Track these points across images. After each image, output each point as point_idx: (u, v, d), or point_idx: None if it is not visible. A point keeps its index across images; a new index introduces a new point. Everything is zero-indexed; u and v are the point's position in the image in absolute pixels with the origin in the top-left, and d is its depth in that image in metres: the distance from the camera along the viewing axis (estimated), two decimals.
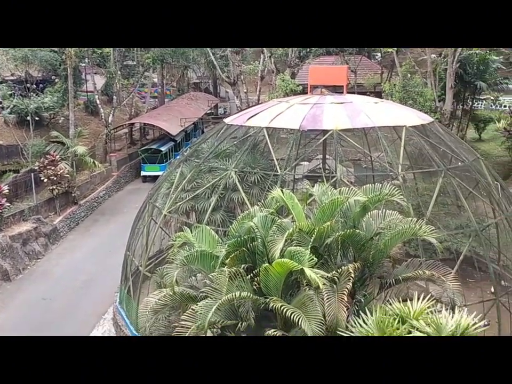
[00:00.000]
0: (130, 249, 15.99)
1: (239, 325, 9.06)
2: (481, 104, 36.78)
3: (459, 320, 6.76)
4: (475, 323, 6.80)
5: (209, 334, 10.51)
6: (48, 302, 17.72)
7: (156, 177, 29.30)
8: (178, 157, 29.16)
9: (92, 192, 28.64)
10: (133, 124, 38.14)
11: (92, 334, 15.41)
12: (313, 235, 9.09)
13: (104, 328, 15.84)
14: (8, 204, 21.26)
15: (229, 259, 9.21)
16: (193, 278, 10.68)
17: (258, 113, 16.41)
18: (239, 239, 9.52)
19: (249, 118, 16.26)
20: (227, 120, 17.60)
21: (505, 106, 35.35)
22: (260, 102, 31.69)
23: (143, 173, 33.39)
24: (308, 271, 8.15)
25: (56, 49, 30.19)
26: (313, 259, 8.50)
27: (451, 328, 6.65)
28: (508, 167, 26.78)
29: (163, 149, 34.02)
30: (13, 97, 29.35)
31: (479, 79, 29.12)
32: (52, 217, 24.29)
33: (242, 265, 9.23)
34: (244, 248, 9.45)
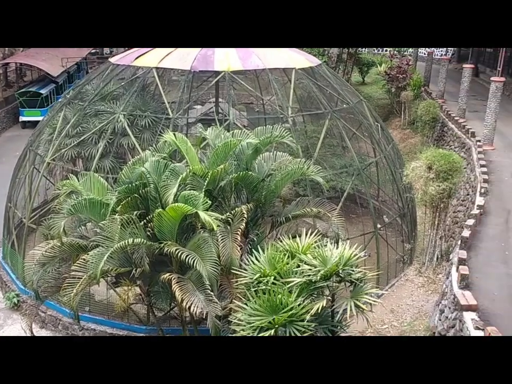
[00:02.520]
0: (12, 200, 14.87)
1: (134, 271, 9.00)
2: (365, 48, 38.37)
3: (342, 252, 7.30)
4: (356, 254, 7.40)
5: (103, 283, 10.33)
6: None
7: (37, 122, 27.06)
8: (60, 100, 27.14)
9: None
10: (7, 63, 34.41)
11: None
12: (207, 178, 9.11)
13: None
14: None
15: (120, 206, 8.96)
16: (83, 227, 10.25)
17: (146, 52, 15.63)
18: (130, 185, 9.25)
19: (137, 57, 15.45)
20: (113, 60, 16.58)
21: (386, 50, 37.25)
22: None
23: (22, 118, 30.62)
24: (202, 214, 8.22)
25: None
26: (207, 202, 8.56)
27: (335, 260, 7.17)
28: (388, 109, 28.65)
29: (43, 91, 31.29)
30: None
31: None
32: None
33: (135, 212, 9.03)
34: (136, 195, 9.23)
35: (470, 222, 10.90)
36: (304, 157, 12.84)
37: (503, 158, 16.07)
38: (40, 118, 26.82)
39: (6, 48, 35.94)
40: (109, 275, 9.69)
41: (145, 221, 8.93)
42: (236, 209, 9.21)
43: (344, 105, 15.91)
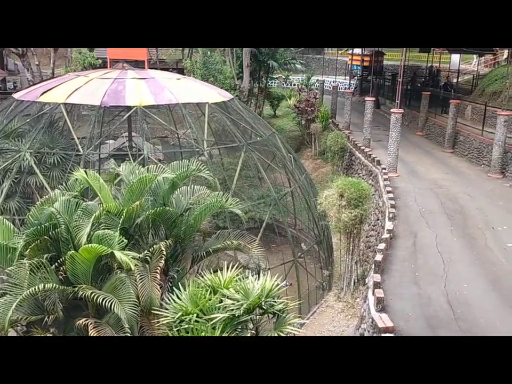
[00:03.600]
0: None
1: (46, 318, 8.39)
2: (275, 83, 39.92)
3: (264, 284, 7.34)
4: (277, 284, 7.47)
5: (12, 333, 9.52)
6: None
7: None
8: None
9: None
10: None
11: None
12: (122, 216, 8.81)
13: None
14: None
15: (28, 250, 8.37)
16: None
17: (53, 87, 15.10)
18: (39, 227, 8.69)
19: (43, 93, 14.86)
20: (17, 96, 15.82)
21: (294, 84, 38.98)
22: (55, 76, 29.12)
23: None
24: (118, 254, 7.90)
25: None
26: (123, 241, 8.25)
27: (257, 292, 7.19)
28: (299, 140, 29.81)
29: None
30: None
31: (271, 59, 31.52)
32: None
33: (45, 255, 8.47)
34: (46, 237, 8.67)
35: (382, 246, 11.47)
36: (222, 189, 12.93)
37: (406, 183, 17.24)
38: None
39: None
40: (18, 324, 8.94)
41: (56, 264, 8.39)
42: (154, 246, 8.97)
43: (258, 138, 16.31)
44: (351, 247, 14.35)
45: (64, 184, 10.56)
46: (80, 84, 15.01)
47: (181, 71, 32.79)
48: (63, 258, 8.34)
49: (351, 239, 14.20)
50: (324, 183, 21.79)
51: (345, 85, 38.83)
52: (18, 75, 49.85)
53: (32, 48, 31.42)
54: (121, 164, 10.94)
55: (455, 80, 30.65)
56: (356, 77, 39.13)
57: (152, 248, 8.93)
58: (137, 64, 21.96)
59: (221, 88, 21.35)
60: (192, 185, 10.88)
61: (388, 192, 15.41)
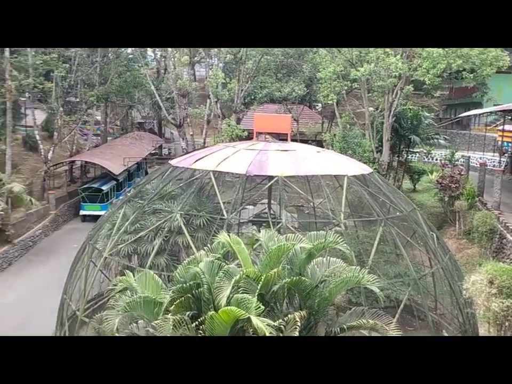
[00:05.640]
0: (67, 292, 15.19)
1: None
2: (415, 157, 38.90)
3: None
4: None
5: None
6: None
7: (96, 216, 28.33)
8: (121, 197, 28.52)
9: (28, 231, 27.19)
10: (73, 161, 37.08)
11: None
12: (260, 282, 9.03)
13: None
14: None
15: (173, 306, 8.93)
16: (134, 324, 10.21)
17: (204, 156, 16.49)
18: (184, 285, 9.28)
19: (196, 161, 16.30)
20: (173, 162, 17.53)
21: (436, 159, 37.58)
22: (206, 145, 31.92)
23: (82, 212, 32.25)
24: (255, 320, 8.04)
25: None
26: (260, 307, 8.40)
27: None
28: (441, 217, 28.19)
29: (104, 188, 33.16)
30: None
31: (412, 133, 30.93)
32: None
33: (187, 313, 8.96)
34: (189, 295, 9.22)
35: None
36: (357, 262, 12.62)
37: None
38: (99, 213, 28.22)
39: (74, 147, 38.92)
40: None
41: (197, 322, 8.81)
42: (289, 316, 8.97)
43: (397, 213, 15.83)
44: None
45: (208, 245, 11.25)
46: (229, 154, 16.20)
47: (320, 144, 33.77)
48: (204, 317, 8.72)
49: (503, 332, 12.70)
50: (469, 266, 20.11)
51: (494, 162, 36.41)
52: (173, 143, 55.62)
53: (188, 119, 35.01)
54: (261, 230, 11.37)
55: None
56: (506, 154, 36.54)
57: (286, 317, 8.93)
58: (278, 136, 23.19)
59: (359, 161, 21.42)
60: (328, 257, 10.82)
61: None
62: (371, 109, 33.44)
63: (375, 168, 23.47)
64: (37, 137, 32.97)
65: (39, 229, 28.28)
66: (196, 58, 39.82)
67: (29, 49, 28.93)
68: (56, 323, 15.23)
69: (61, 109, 33.91)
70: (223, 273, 9.28)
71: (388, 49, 26.37)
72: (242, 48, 30.77)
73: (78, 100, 37.71)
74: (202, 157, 16.50)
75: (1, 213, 23.59)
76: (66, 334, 14.13)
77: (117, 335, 9.13)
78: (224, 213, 14.39)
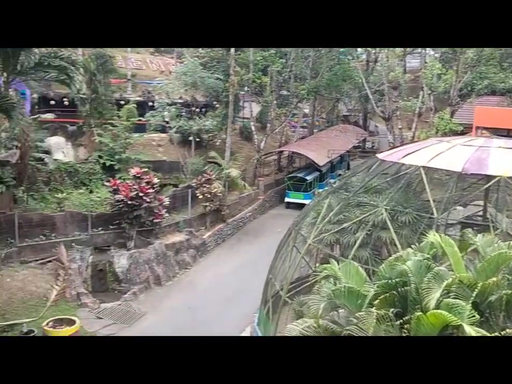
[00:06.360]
0: (272, 272, 16.29)
1: None
2: None
3: None
4: None
5: None
6: (192, 311, 18.80)
7: (299, 204, 29.77)
8: (323, 188, 29.31)
9: (239, 213, 30.10)
10: (282, 151, 39.39)
11: None
12: (476, 289, 8.32)
13: None
14: (167, 215, 23.27)
15: (377, 300, 8.83)
16: (335, 312, 10.43)
17: (415, 151, 15.79)
18: (389, 281, 9.10)
19: (406, 155, 15.71)
20: (380, 156, 17.22)
21: None
22: (415, 140, 30.58)
23: (286, 199, 34.16)
24: (468, 328, 7.45)
25: (221, 77, 32.66)
26: (474, 315, 7.76)
27: None
28: None
29: (308, 178, 34.51)
30: (179, 119, 32.27)
31: None
32: (202, 232, 26.07)
33: (391, 309, 8.77)
34: (394, 292, 9.00)
35: None
36: None
37: None
38: (302, 201, 29.57)
39: (283, 138, 41.29)
40: None
41: (401, 321, 8.57)
42: (507, 330, 8.08)
43: None
44: None
45: (415, 244, 10.80)
46: (443, 149, 15.19)
47: None
48: (409, 316, 8.44)
49: None
50: None
51: None
52: (377, 136, 54.73)
53: (398, 112, 34.00)
54: (478, 234, 10.46)
55: None
56: None
57: (504, 331, 8.07)
58: (496, 133, 20.87)
59: None
60: None
61: None
62: None
63: None
64: (252, 128, 35.95)
65: (249, 211, 30.97)
66: (408, 49, 38.29)
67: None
68: (261, 299, 16.50)
69: (275, 102, 36.25)
70: (432, 275, 8.82)
71: None
72: None
73: (289, 93, 39.78)
74: (413, 151, 15.83)
75: (220, 194, 26.45)
76: (270, 311, 15.17)
77: (320, 320, 9.44)
78: (434, 211, 13.61)
